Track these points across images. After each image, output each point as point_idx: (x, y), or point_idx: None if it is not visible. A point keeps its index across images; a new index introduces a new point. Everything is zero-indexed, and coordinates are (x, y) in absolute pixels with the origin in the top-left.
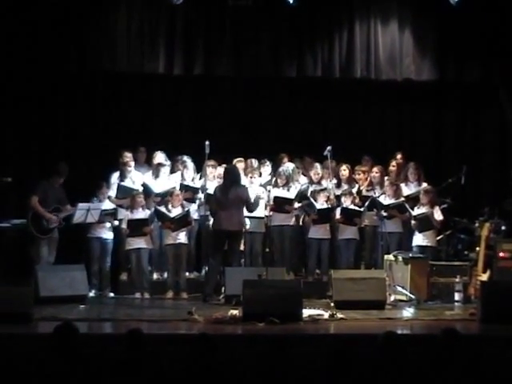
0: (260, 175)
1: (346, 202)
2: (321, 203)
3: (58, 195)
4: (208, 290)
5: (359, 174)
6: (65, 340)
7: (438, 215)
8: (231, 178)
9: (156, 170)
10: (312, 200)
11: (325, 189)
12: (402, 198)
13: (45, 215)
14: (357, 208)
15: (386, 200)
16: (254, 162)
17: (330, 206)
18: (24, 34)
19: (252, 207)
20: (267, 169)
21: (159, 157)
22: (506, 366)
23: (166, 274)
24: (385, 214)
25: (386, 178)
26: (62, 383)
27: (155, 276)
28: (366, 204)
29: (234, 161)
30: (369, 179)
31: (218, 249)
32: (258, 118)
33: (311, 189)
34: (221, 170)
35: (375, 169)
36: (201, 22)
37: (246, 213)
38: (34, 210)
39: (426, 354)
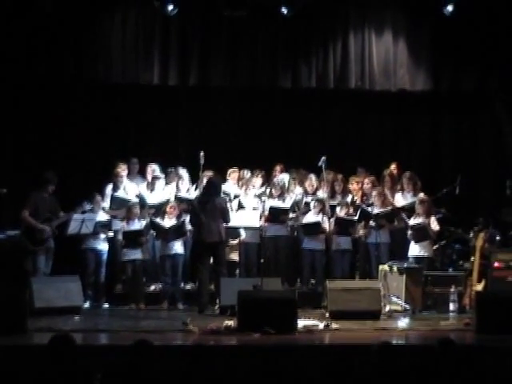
0: (253, 186)
1: (341, 213)
2: (314, 213)
3: (49, 205)
4: (203, 302)
5: (352, 185)
6: (61, 351)
7: (435, 226)
8: (210, 189)
9: (151, 183)
10: (298, 213)
11: (318, 199)
12: (390, 207)
13: (36, 226)
14: (350, 218)
15: (374, 210)
16: (247, 173)
17: (322, 216)
18: (19, 45)
19: (228, 219)
20: (259, 180)
21: (153, 169)
22: (501, 376)
23: (161, 285)
24: (373, 223)
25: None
26: None
27: (150, 287)
28: (357, 214)
29: (229, 171)
30: (362, 190)
31: (204, 259)
32: (253, 129)
33: (306, 200)
34: None
35: (367, 180)
36: (196, 32)
37: (241, 223)
38: (26, 223)
39: (421, 364)
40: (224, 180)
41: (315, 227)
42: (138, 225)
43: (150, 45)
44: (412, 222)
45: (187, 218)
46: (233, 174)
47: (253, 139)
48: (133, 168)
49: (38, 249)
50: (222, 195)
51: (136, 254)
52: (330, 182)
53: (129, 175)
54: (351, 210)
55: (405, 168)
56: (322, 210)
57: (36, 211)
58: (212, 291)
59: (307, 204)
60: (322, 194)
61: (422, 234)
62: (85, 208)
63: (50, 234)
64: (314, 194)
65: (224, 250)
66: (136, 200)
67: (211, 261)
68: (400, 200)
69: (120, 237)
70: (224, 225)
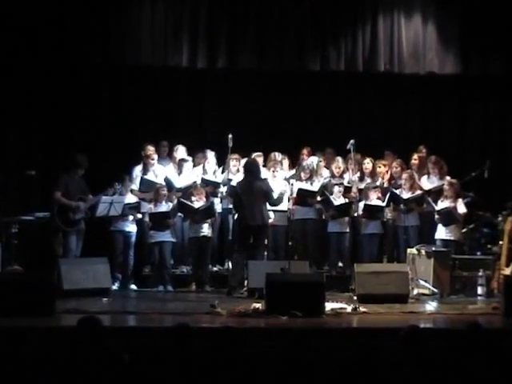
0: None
1: (372, 196)
2: (339, 197)
3: (79, 187)
4: (233, 284)
5: (380, 168)
6: (89, 333)
7: (461, 208)
8: (250, 173)
9: (179, 165)
10: (329, 195)
11: (341, 183)
12: (419, 191)
13: (71, 204)
14: (379, 203)
15: (403, 194)
16: (278, 156)
17: (349, 200)
18: (48, 27)
19: (274, 201)
20: (286, 163)
21: (181, 151)
22: None
23: (188, 267)
24: (402, 207)
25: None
26: (85, 376)
27: (178, 269)
28: (386, 198)
29: (253, 155)
30: (390, 173)
31: (244, 244)
32: (281, 112)
33: (333, 182)
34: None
35: (395, 163)
36: (224, 15)
37: (269, 206)
38: (59, 203)
39: (449, 348)
40: None
41: (348, 208)
42: (165, 207)
43: (178, 27)
44: (439, 205)
45: (215, 200)
46: (257, 159)
47: (281, 122)
48: (162, 151)
49: (70, 230)
50: None
51: (163, 236)
52: (358, 164)
53: (158, 158)
54: (380, 194)
55: (433, 152)
56: (347, 195)
57: (67, 193)
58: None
59: (335, 186)
60: (350, 176)
61: (448, 217)
62: (116, 189)
63: (82, 214)
64: (340, 176)
65: (265, 234)
66: (163, 183)
67: (249, 245)
68: (426, 183)
69: (147, 219)
70: (268, 207)
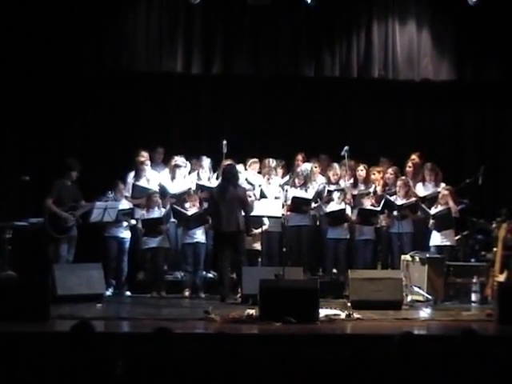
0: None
1: (365, 203)
2: (337, 203)
3: (72, 193)
4: (224, 290)
5: (374, 175)
6: (82, 339)
7: (455, 211)
8: (228, 178)
9: (172, 171)
10: (321, 202)
11: (342, 189)
12: (414, 198)
13: (61, 215)
14: (374, 208)
15: (397, 200)
16: (272, 162)
17: (345, 206)
18: (42, 32)
19: (249, 209)
20: (280, 170)
21: (175, 160)
22: None
23: (182, 273)
24: (396, 213)
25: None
26: (78, 382)
27: (172, 275)
28: (381, 204)
29: (249, 162)
30: (384, 180)
31: (222, 249)
32: (276, 118)
33: (328, 188)
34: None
35: (390, 170)
36: (219, 21)
37: (261, 212)
38: (50, 211)
39: (443, 355)
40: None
41: (340, 214)
42: (157, 213)
43: (173, 33)
44: (433, 211)
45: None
46: (253, 165)
47: (275, 128)
48: (157, 157)
49: (61, 237)
50: (247, 185)
51: (156, 242)
52: (352, 171)
53: (152, 164)
54: (374, 200)
55: (427, 158)
56: (345, 200)
57: (60, 199)
58: (233, 280)
59: (330, 192)
60: (345, 183)
61: (445, 221)
62: (109, 198)
63: (73, 222)
64: (337, 183)
65: (243, 240)
66: (157, 189)
67: (231, 250)
68: (421, 190)
69: (140, 225)
70: (243, 214)
